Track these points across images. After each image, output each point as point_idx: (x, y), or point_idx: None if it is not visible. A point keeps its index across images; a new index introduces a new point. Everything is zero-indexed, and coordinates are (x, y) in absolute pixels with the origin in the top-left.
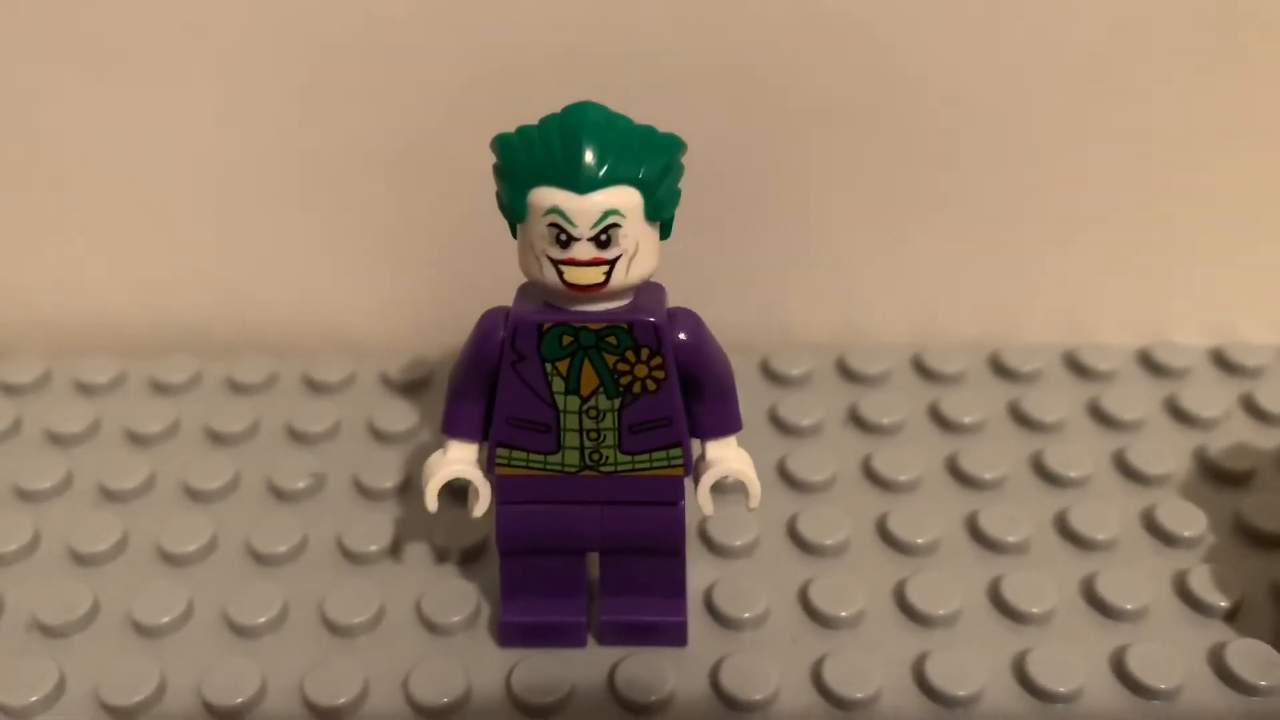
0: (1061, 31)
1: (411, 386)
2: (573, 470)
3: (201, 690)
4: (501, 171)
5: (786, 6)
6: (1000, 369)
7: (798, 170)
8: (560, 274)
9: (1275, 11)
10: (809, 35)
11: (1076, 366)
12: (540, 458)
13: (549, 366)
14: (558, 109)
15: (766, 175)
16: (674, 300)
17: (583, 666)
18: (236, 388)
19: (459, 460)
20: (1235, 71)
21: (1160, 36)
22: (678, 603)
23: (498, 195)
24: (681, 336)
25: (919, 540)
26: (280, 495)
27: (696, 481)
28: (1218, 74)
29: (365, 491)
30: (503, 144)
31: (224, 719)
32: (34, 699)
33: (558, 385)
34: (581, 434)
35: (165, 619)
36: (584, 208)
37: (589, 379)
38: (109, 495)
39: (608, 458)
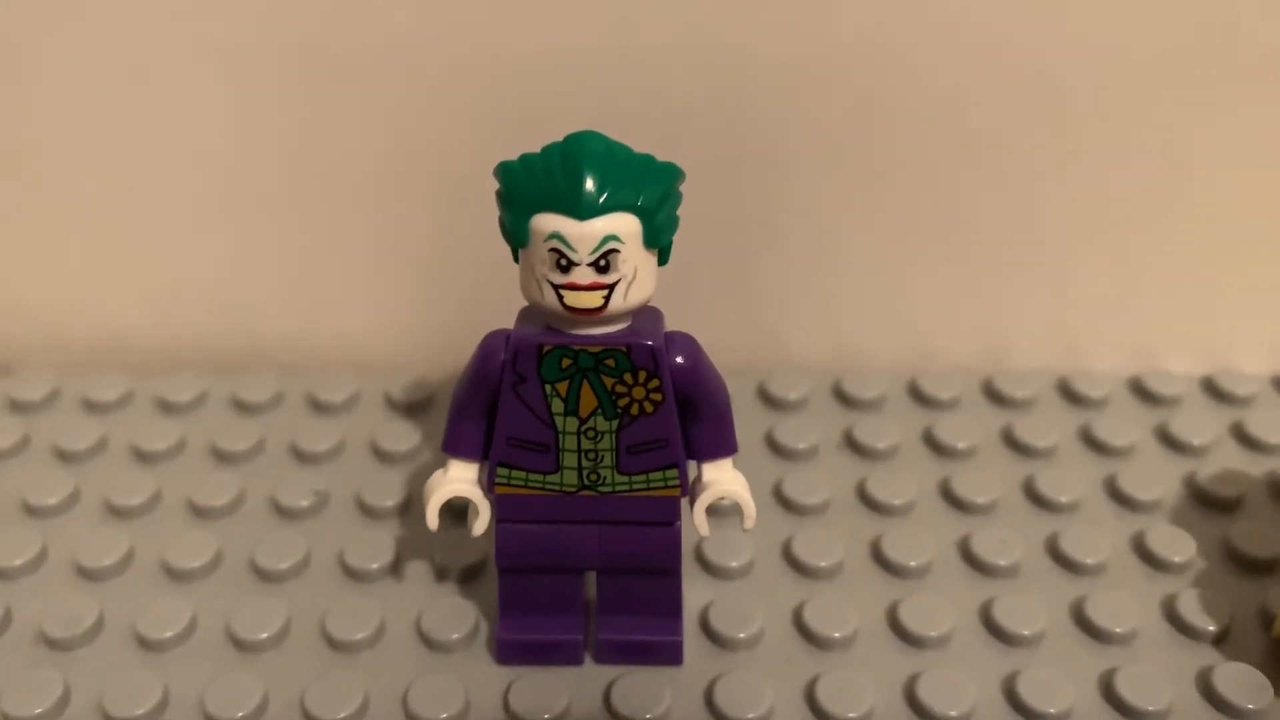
0: (1055, 62)
1: (414, 406)
2: (571, 490)
3: (204, 703)
4: (504, 198)
5: (785, 36)
6: (994, 395)
7: (795, 197)
8: (560, 298)
9: (1267, 42)
10: (807, 64)
11: (1069, 393)
12: (539, 477)
13: (548, 388)
14: (564, 131)
15: (764, 201)
16: (672, 324)
17: (579, 684)
18: (242, 406)
19: (460, 479)
20: (1227, 101)
21: (1153, 66)
22: (674, 622)
23: (500, 221)
24: (679, 360)
25: (912, 563)
26: (284, 513)
27: (693, 503)
28: (1210, 104)
29: (367, 510)
30: (505, 171)
31: None
32: (39, 710)
33: (557, 406)
34: (580, 454)
35: (169, 633)
36: (584, 234)
37: (587, 400)
38: (115, 511)
39: (605, 478)
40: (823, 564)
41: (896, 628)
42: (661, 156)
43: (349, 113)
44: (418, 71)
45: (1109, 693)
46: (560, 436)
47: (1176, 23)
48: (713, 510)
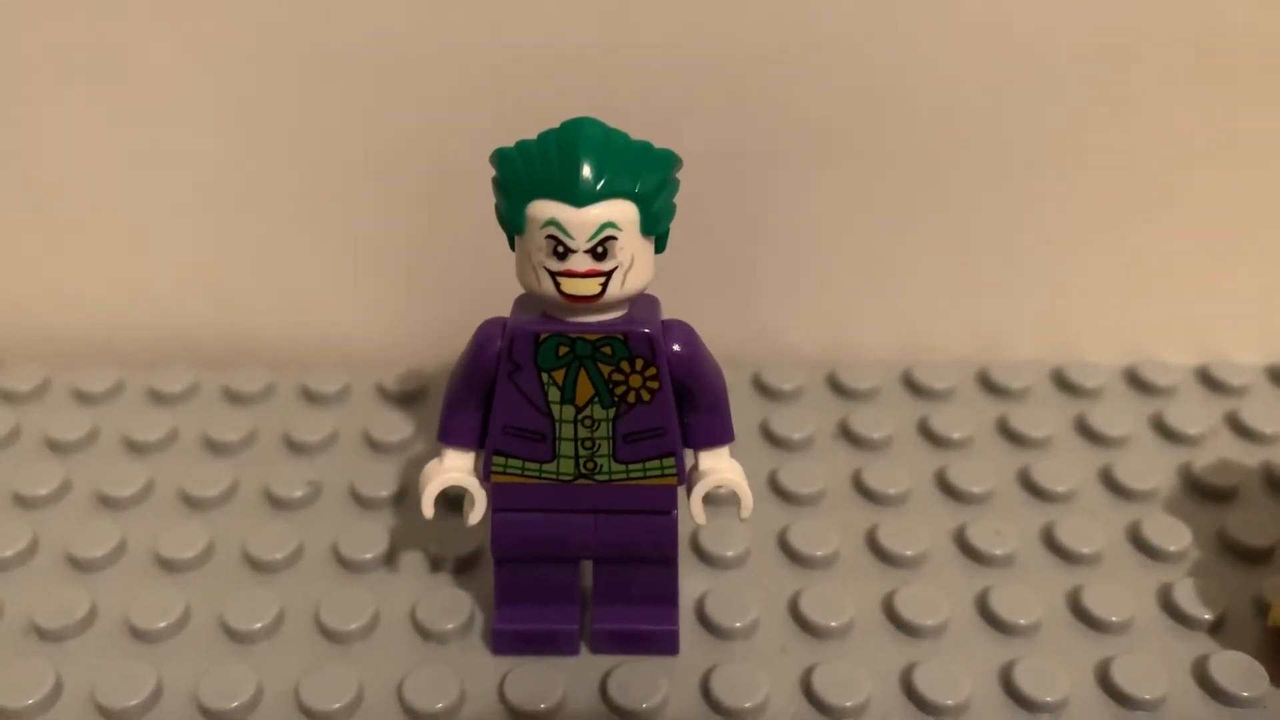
0: (1048, 54)
1: (407, 397)
2: (568, 479)
3: (197, 694)
4: (500, 185)
5: (780, 30)
6: (989, 385)
7: (790, 189)
8: (557, 285)
9: (1260, 34)
10: (801, 58)
11: (1064, 383)
12: (536, 466)
13: (545, 376)
14: (556, 123)
15: (759, 194)
16: (668, 315)
17: (575, 674)
18: (234, 397)
19: (455, 468)
20: (1221, 93)
21: (1146, 59)
22: (670, 612)
23: (496, 208)
24: (676, 348)
25: (908, 552)
26: (277, 503)
27: (689, 491)
28: (1204, 96)
29: (361, 500)
30: (502, 158)
31: None
32: (31, 701)
33: (553, 395)
34: (576, 443)
35: (162, 624)
36: (581, 220)
37: (584, 389)
38: (107, 502)
39: (602, 466)
40: (818, 553)
41: (893, 617)
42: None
43: (338, 107)
44: (408, 65)
45: (1105, 681)
46: (557, 425)
47: (1171, 16)
48: (709, 499)
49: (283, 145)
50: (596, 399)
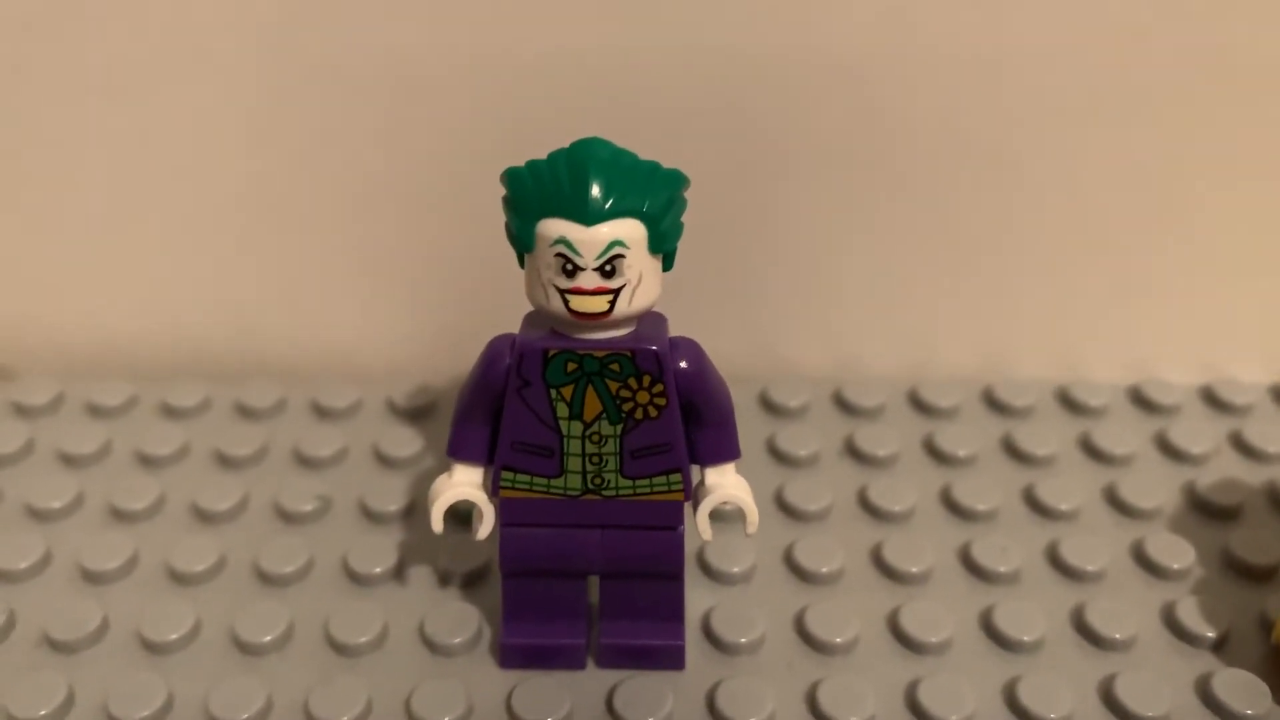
0: (1054, 74)
1: (417, 413)
2: (575, 494)
3: (208, 706)
4: (511, 203)
5: (787, 47)
6: (993, 404)
7: (796, 206)
8: (566, 302)
9: (1265, 54)
10: (806, 76)
11: (1068, 402)
12: (544, 481)
13: (553, 392)
14: (564, 143)
15: (765, 211)
16: (675, 332)
17: (582, 689)
18: (245, 412)
19: (464, 483)
20: (1225, 113)
21: (1150, 79)
22: (676, 627)
23: (507, 226)
24: (683, 365)
25: (913, 569)
26: (287, 517)
27: (695, 507)
28: (1208, 115)
29: (370, 515)
30: (512, 177)
31: None
32: (43, 712)
33: (562, 410)
34: (584, 458)
35: (173, 636)
36: (590, 239)
37: (592, 405)
38: (119, 515)
39: (609, 482)
40: (824, 570)
41: (897, 633)
42: (663, 165)
43: (350, 123)
44: (418, 79)
45: (1109, 698)
46: (565, 440)
47: (1174, 36)
48: (715, 515)
49: (295, 162)
50: (604, 415)
